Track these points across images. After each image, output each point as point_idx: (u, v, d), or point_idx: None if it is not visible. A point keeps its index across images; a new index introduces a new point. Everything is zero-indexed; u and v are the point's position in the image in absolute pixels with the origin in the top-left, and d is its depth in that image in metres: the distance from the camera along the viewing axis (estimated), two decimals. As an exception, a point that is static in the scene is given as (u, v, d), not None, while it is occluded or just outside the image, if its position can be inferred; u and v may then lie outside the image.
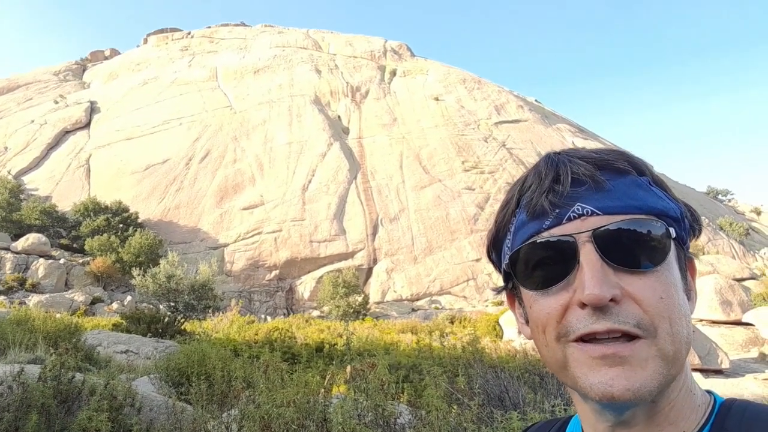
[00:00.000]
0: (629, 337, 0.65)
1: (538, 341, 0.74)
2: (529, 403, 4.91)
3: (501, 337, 17.33)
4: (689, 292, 0.74)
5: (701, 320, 14.19)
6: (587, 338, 0.66)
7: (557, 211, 0.71)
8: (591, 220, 0.69)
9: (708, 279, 15.09)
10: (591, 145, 42.02)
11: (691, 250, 0.79)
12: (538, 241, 0.72)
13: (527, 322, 0.77)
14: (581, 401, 0.74)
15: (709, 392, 0.76)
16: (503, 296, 0.87)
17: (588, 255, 0.68)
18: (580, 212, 0.70)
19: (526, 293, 0.75)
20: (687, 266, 0.76)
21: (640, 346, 0.64)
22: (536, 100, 55.98)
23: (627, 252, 0.67)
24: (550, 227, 0.72)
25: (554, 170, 0.74)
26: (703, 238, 32.22)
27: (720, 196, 59.61)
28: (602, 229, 0.68)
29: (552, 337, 0.70)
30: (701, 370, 10.26)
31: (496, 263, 0.84)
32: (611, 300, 0.65)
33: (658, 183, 0.75)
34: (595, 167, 0.72)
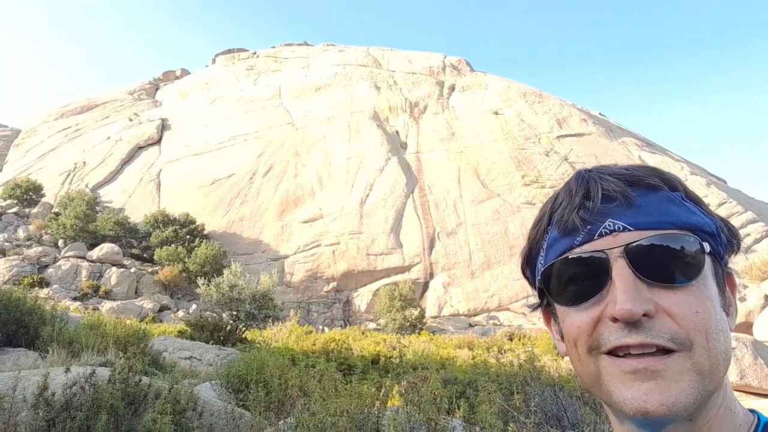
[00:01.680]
0: (663, 351, 0.64)
1: (571, 356, 0.74)
2: (589, 424, 4.74)
3: (563, 357, 16.76)
4: (728, 308, 0.72)
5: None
6: (620, 352, 0.66)
7: (589, 227, 0.72)
8: (623, 235, 0.69)
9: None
10: (658, 159, 40.29)
11: (734, 273, 0.77)
12: (570, 257, 0.73)
13: (562, 338, 0.77)
14: (617, 421, 0.73)
15: (752, 411, 0.74)
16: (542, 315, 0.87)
17: (620, 270, 0.68)
18: (612, 228, 0.70)
19: (560, 308, 0.76)
20: (725, 281, 0.74)
21: (674, 360, 0.64)
22: (600, 114, 54.28)
23: (660, 267, 0.67)
24: (582, 243, 0.72)
25: (585, 187, 0.74)
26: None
27: None
28: (634, 244, 0.68)
29: (584, 351, 0.70)
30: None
31: (531, 280, 0.85)
32: (644, 315, 0.64)
33: (692, 198, 0.74)
34: (625, 183, 0.72)
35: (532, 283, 0.84)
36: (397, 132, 42.36)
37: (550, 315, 0.82)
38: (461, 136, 40.73)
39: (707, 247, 0.69)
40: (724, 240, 0.73)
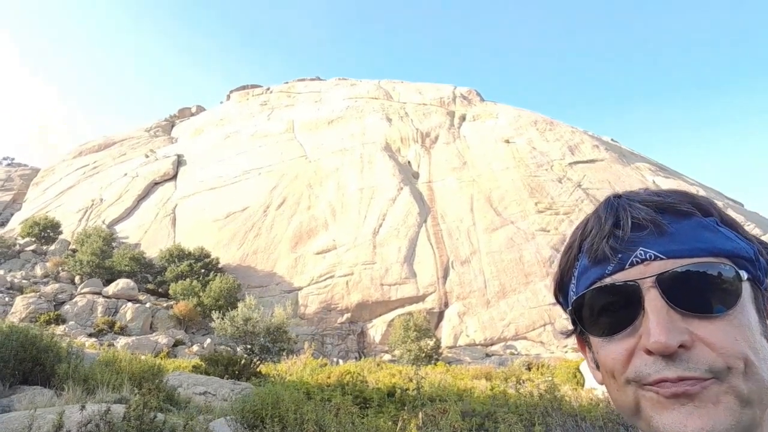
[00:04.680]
0: (702, 380, 0.63)
1: (609, 386, 0.72)
2: (612, 457, 4.60)
3: (582, 385, 16.38)
4: None
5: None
6: (659, 383, 0.64)
7: (619, 256, 0.71)
8: (655, 264, 0.68)
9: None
10: (672, 183, 39.99)
11: None
12: (601, 286, 0.71)
13: (598, 366, 0.76)
14: None
15: None
16: (576, 342, 0.86)
17: (653, 301, 0.66)
18: (643, 257, 0.69)
19: (594, 339, 0.74)
20: (767, 308, 0.72)
21: (710, 383, 0.62)
22: (612, 139, 54.27)
23: (695, 296, 0.65)
24: (612, 272, 0.71)
25: (614, 215, 0.73)
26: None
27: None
28: (667, 273, 0.66)
29: (622, 382, 0.68)
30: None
31: (564, 306, 0.83)
32: (680, 347, 0.63)
33: (728, 223, 0.72)
34: (656, 210, 0.71)
35: (565, 309, 0.83)
36: (408, 162, 42.62)
37: (584, 342, 0.80)
38: (473, 165, 40.86)
39: (744, 274, 0.67)
40: (763, 264, 0.71)
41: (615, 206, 0.74)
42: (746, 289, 0.68)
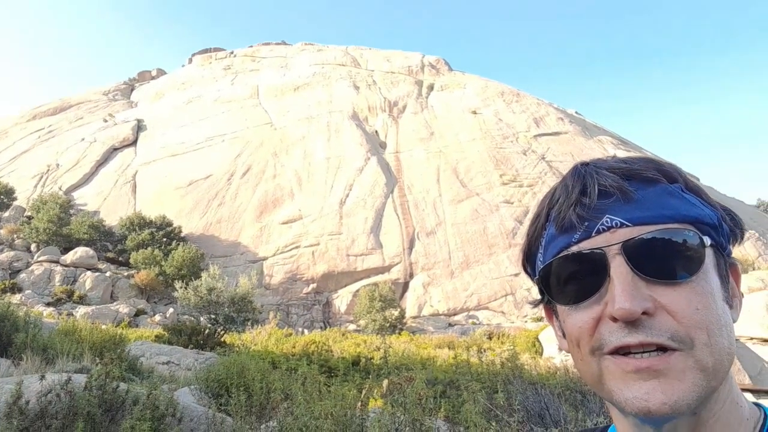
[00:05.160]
0: (664, 350, 0.63)
1: (574, 355, 0.73)
2: (570, 421, 4.79)
3: (541, 354, 16.95)
4: (732, 300, 0.72)
5: (751, 338, 13.54)
6: (621, 351, 0.65)
7: (586, 224, 0.71)
8: (620, 231, 0.68)
9: (759, 295, 14.39)
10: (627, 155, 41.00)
11: (738, 263, 0.76)
12: (567, 254, 0.71)
13: (564, 334, 0.76)
14: (620, 416, 0.72)
15: (757, 405, 0.73)
16: (542, 311, 0.86)
17: (618, 268, 0.66)
18: (609, 224, 0.69)
19: (560, 308, 0.74)
20: (729, 273, 0.73)
21: (675, 359, 0.63)
22: (576, 112, 55.10)
23: (659, 263, 0.66)
24: (579, 240, 0.71)
25: (581, 183, 0.73)
26: (752, 253, 30.85)
27: (772, 210, 57.03)
28: (632, 240, 0.67)
29: (586, 351, 0.69)
30: (751, 391, 9.78)
31: (532, 276, 0.83)
32: (644, 313, 0.64)
33: (692, 189, 0.73)
34: (622, 177, 0.71)
35: (532, 278, 0.83)
36: (376, 132, 42.38)
37: (551, 311, 0.81)
38: (440, 136, 40.93)
39: (708, 240, 0.68)
40: (726, 230, 0.72)
41: (582, 174, 0.74)
42: (709, 255, 0.69)
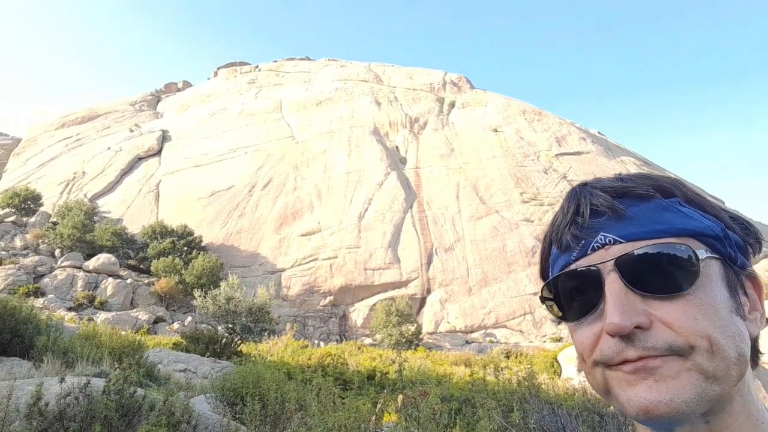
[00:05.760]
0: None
1: (582, 368, 0.74)
2: (587, 443, 4.70)
3: (559, 375, 16.66)
4: (750, 312, 0.71)
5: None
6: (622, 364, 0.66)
7: (582, 242, 0.73)
8: (614, 248, 0.70)
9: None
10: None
11: (757, 274, 0.75)
12: (565, 273, 0.74)
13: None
14: (640, 427, 0.73)
15: None
16: (562, 332, 0.88)
17: (612, 284, 0.68)
18: (603, 242, 0.71)
19: (568, 324, 0.76)
20: (745, 284, 0.73)
21: (672, 360, 0.64)
22: (599, 132, 54.62)
23: (653, 277, 0.67)
24: (577, 259, 0.74)
25: (575, 203, 0.76)
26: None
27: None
28: (624, 256, 0.68)
29: (590, 364, 0.71)
30: None
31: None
32: (638, 327, 0.64)
33: (693, 202, 0.73)
34: (614, 196, 0.73)
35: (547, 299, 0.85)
36: (396, 147, 42.52)
37: None
38: (460, 153, 40.90)
39: (703, 253, 0.68)
40: (735, 241, 0.72)
41: (577, 194, 0.77)
42: (712, 267, 0.69)
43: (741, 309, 0.70)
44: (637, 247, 0.68)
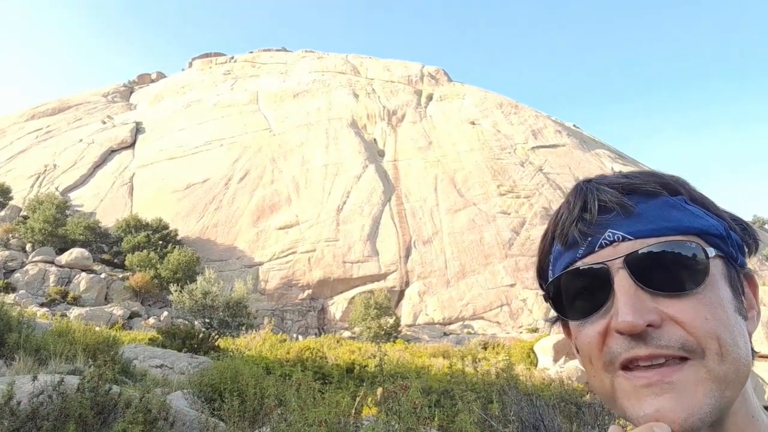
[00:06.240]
0: (676, 359, 0.63)
1: (588, 371, 0.73)
2: (565, 433, 4.77)
3: (536, 365, 16.92)
4: (748, 311, 0.72)
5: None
6: (632, 365, 0.65)
7: (589, 239, 0.71)
8: (623, 245, 0.69)
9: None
10: (629, 170, 41.18)
11: (755, 274, 0.76)
12: (572, 270, 0.72)
13: (578, 351, 0.76)
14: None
15: None
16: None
17: (621, 281, 0.67)
18: (612, 239, 0.70)
19: (571, 324, 0.75)
20: (744, 283, 0.73)
21: (687, 370, 0.62)
22: (575, 125, 55.30)
23: (663, 275, 0.66)
24: (583, 256, 0.72)
25: (582, 199, 0.74)
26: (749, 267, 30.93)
27: (767, 226, 57.28)
28: (634, 253, 0.67)
29: (599, 367, 0.69)
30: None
31: (546, 295, 0.84)
32: (649, 326, 0.63)
33: (697, 200, 0.73)
34: (622, 192, 0.72)
35: (546, 298, 0.83)
36: (374, 140, 42.46)
37: (568, 328, 0.80)
38: (438, 145, 41.04)
39: (711, 251, 0.68)
40: (736, 240, 0.72)
41: (583, 190, 0.75)
42: (717, 266, 0.68)
43: (743, 308, 0.70)
44: (647, 245, 0.67)
